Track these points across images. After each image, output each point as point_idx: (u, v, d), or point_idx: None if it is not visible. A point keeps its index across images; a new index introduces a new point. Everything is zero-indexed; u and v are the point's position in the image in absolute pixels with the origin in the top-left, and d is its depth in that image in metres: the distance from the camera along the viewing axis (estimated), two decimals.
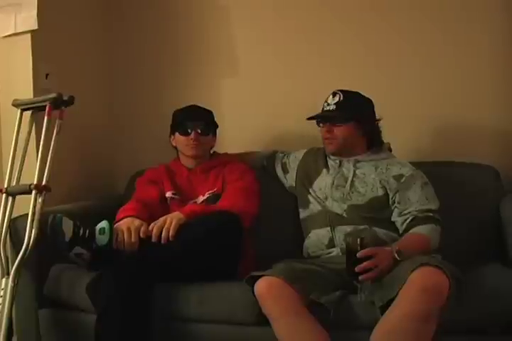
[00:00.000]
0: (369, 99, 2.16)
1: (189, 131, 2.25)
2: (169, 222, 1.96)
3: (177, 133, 2.29)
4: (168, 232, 1.94)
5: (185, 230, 1.95)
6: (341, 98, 2.10)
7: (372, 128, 2.17)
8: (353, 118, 2.10)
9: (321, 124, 2.16)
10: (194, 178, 2.29)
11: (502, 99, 2.46)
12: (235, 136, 2.60)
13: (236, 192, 2.18)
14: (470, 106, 2.47)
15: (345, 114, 2.10)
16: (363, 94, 2.15)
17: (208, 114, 2.34)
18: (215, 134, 2.35)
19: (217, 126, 2.36)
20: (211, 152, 2.39)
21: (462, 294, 1.68)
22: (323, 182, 2.16)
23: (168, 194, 2.26)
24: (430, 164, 2.28)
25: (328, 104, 2.12)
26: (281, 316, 1.72)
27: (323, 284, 1.81)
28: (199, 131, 2.25)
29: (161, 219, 1.99)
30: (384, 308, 1.66)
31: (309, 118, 2.17)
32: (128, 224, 1.97)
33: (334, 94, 2.12)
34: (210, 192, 2.23)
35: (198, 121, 2.28)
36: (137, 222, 1.99)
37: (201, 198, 2.23)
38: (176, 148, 2.35)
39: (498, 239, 2.10)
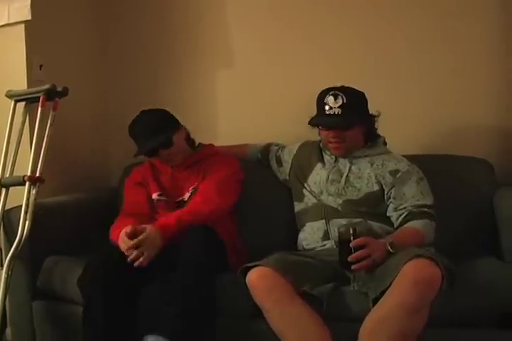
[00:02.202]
0: (362, 92, 2.12)
1: (155, 154, 2.16)
2: (145, 255, 1.86)
3: None
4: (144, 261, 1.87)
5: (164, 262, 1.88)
6: (345, 100, 2.02)
7: (371, 124, 2.14)
8: (360, 122, 2.07)
9: (320, 126, 2.11)
10: (178, 176, 2.24)
11: (497, 95, 2.46)
12: (229, 129, 2.60)
13: (211, 186, 2.12)
14: (466, 103, 2.48)
15: (353, 119, 2.05)
16: (356, 88, 2.10)
17: (157, 124, 2.15)
18: (178, 133, 2.18)
19: (177, 121, 2.22)
20: (196, 144, 2.30)
21: (455, 287, 1.69)
22: (317, 177, 2.15)
23: (154, 196, 2.21)
24: (426, 157, 2.29)
25: (331, 108, 2.04)
26: (275, 306, 1.72)
27: (315, 276, 1.81)
28: (160, 151, 2.14)
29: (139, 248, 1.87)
30: (377, 300, 1.66)
31: (312, 124, 2.10)
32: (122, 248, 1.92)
33: (336, 96, 2.04)
34: (193, 187, 2.19)
35: (151, 144, 2.12)
36: (122, 244, 1.91)
37: (187, 195, 2.19)
38: None
39: (492, 232, 2.10)
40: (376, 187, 2.04)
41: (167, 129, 2.17)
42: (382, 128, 2.19)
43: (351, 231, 1.74)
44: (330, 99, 2.04)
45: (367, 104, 2.12)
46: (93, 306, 1.82)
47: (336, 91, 2.05)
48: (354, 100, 2.05)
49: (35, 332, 2.08)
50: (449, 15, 2.49)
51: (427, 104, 2.52)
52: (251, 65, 2.69)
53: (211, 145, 2.34)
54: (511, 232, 1.98)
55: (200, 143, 2.32)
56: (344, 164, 2.12)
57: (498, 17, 2.45)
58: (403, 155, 2.13)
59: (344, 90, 2.06)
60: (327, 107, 2.05)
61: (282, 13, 2.65)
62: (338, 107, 2.03)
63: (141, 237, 1.87)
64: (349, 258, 1.72)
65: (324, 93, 2.08)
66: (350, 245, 1.73)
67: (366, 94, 2.11)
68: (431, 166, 2.15)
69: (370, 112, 2.14)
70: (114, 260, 1.88)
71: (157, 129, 2.15)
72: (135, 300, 1.86)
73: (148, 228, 1.91)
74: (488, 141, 2.48)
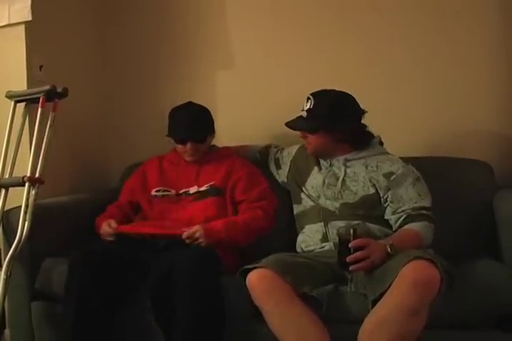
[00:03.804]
0: (347, 102, 2.07)
1: (184, 141, 2.22)
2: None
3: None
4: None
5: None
6: (311, 105, 2.04)
7: (352, 133, 2.08)
8: (321, 128, 2.06)
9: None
10: (190, 169, 2.27)
11: (498, 98, 2.47)
12: (229, 130, 2.59)
13: (256, 210, 2.17)
14: (467, 106, 2.49)
15: (312, 124, 2.06)
16: (342, 94, 2.07)
17: (203, 118, 2.27)
18: (212, 134, 2.31)
19: (213, 123, 2.31)
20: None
21: (454, 288, 1.69)
22: (314, 181, 2.14)
23: (153, 192, 2.26)
24: (427, 159, 2.30)
25: (303, 110, 2.08)
26: (275, 308, 1.72)
27: (315, 277, 1.81)
28: (195, 142, 2.22)
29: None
30: (376, 302, 1.66)
31: (285, 124, 2.14)
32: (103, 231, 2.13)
33: (308, 100, 2.07)
34: (209, 184, 2.22)
35: (192, 131, 2.22)
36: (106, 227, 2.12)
37: (195, 188, 2.22)
38: None
39: (491, 234, 2.11)
40: (372, 190, 2.03)
41: (207, 128, 2.28)
42: (382, 130, 2.19)
43: (351, 232, 1.74)
44: (305, 101, 2.08)
45: (339, 114, 2.05)
46: (66, 307, 1.89)
47: (312, 94, 2.07)
48: (321, 108, 2.04)
49: (34, 333, 2.08)
50: (450, 18, 2.50)
51: (428, 107, 2.52)
52: (251, 66, 2.70)
53: (227, 148, 2.39)
54: (511, 234, 1.99)
55: (213, 145, 2.36)
56: (339, 167, 2.11)
57: (498, 21, 2.46)
58: (404, 158, 2.12)
59: (319, 95, 2.07)
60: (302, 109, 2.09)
61: (283, 15, 2.65)
62: (306, 111, 2.07)
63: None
64: (348, 259, 1.71)
65: None
66: (350, 245, 1.72)
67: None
68: (431, 168, 2.16)
69: (362, 121, 2.10)
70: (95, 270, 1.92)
71: (199, 124, 2.24)
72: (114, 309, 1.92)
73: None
74: (488, 143, 2.49)
